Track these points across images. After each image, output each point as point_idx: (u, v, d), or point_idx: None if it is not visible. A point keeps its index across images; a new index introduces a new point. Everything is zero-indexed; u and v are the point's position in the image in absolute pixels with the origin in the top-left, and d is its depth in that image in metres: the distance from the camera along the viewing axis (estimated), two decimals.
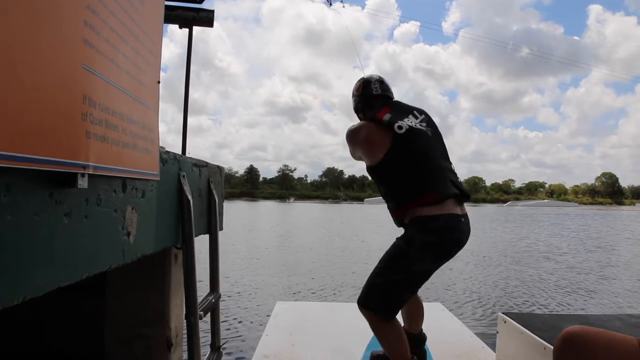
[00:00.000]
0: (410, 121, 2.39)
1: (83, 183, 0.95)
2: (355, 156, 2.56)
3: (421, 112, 2.52)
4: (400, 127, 2.30)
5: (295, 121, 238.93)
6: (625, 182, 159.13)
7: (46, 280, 0.87)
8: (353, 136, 2.44)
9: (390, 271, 2.29)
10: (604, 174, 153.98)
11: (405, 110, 2.48)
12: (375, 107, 2.47)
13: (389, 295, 2.29)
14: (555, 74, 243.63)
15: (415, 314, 2.75)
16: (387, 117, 2.35)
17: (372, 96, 2.56)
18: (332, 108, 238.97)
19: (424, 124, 2.43)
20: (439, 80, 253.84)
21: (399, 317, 2.50)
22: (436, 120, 2.56)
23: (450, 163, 2.47)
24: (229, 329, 6.15)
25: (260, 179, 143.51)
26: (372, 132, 2.35)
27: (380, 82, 2.59)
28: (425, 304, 2.84)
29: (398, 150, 2.29)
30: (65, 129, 0.88)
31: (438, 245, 2.23)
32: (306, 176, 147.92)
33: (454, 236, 2.26)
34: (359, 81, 2.66)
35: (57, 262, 0.91)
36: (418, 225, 2.24)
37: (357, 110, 2.66)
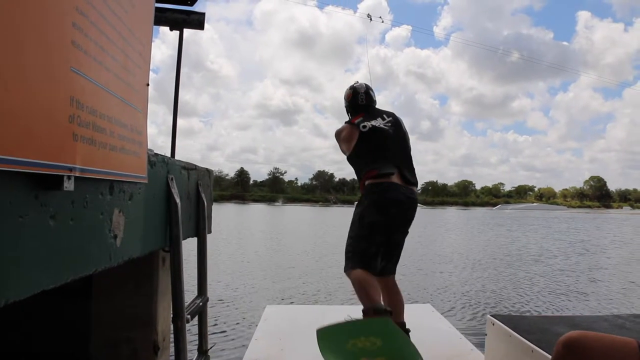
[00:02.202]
0: (376, 122, 3.14)
1: (69, 185, 0.94)
2: (341, 149, 3.29)
3: (390, 115, 3.27)
4: (364, 127, 3.08)
5: (287, 124, 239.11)
6: (613, 186, 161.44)
7: (30, 283, 0.87)
8: (337, 136, 3.26)
9: (352, 231, 3.00)
10: (592, 178, 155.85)
11: (376, 114, 3.24)
12: (357, 113, 3.27)
13: (355, 249, 2.92)
14: (544, 79, 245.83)
15: (394, 304, 3.04)
16: (358, 120, 3.14)
17: (357, 105, 3.31)
18: (324, 111, 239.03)
19: (389, 125, 3.16)
20: (430, 84, 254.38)
21: None
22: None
23: (406, 154, 3.19)
24: (219, 333, 6.12)
25: (251, 181, 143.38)
26: (348, 132, 3.15)
27: (366, 93, 3.33)
28: (415, 305, 2.93)
29: (361, 142, 3.08)
30: (51, 131, 0.88)
31: (379, 201, 2.92)
32: (297, 179, 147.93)
33: (391, 195, 2.92)
34: (350, 89, 3.39)
35: (42, 264, 0.90)
36: (367, 190, 3.00)
37: (347, 110, 3.43)
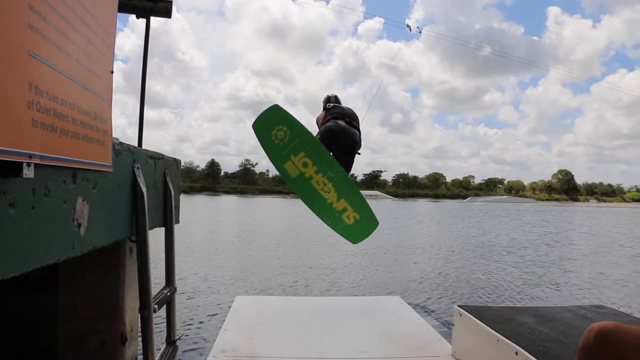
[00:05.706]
0: (337, 104, 5.19)
1: (29, 172, 0.92)
2: (318, 127, 5.05)
3: (344, 106, 5.25)
4: (329, 106, 5.15)
5: None
6: (580, 179, 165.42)
7: None
8: (317, 120, 5.21)
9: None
10: (560, 171, 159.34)
11: (337, 103, 5.29)
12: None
13: None
14: (515, 73, 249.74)
15: None
16: (326, 105, 5.24)
17: (329, 102, 5.30)
18: (296, 103, 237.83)
19: (344, 106, 5.14)
20: (402, 76, 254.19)
21: None
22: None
23: (354, 117, 5.05)
24: (190, 324, 6.11)
25: (222, 173, 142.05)
26: (322, 114, 5.11)
27: (335, 97, 5.39)
28: (383, 297, 2.95)
29: (327, 114, 4.99)
30: (8, 117, 0.85)
31: (327, 127, 4.82)
32: (268, 171, 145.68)
33: (333, 126, 4.77)
34: (327, 95, 5.43)
35: (1, 253, 0.89)
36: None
37: (323, 107, 5.31)
